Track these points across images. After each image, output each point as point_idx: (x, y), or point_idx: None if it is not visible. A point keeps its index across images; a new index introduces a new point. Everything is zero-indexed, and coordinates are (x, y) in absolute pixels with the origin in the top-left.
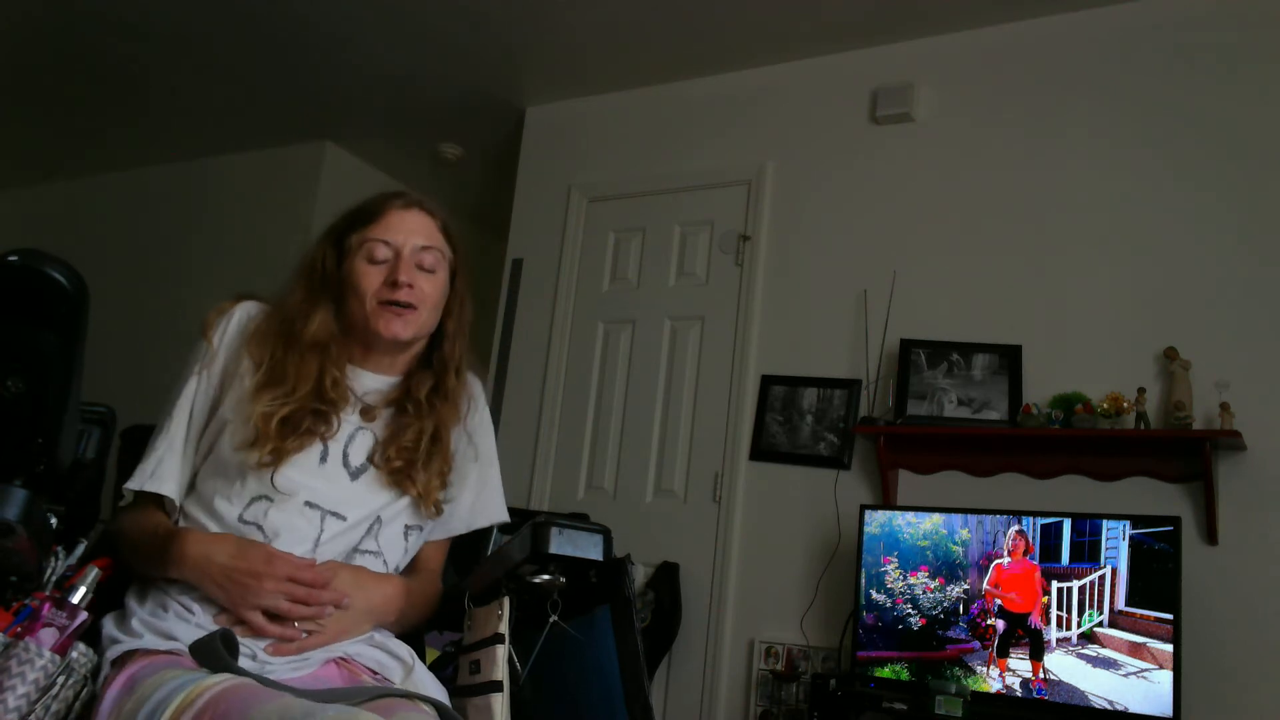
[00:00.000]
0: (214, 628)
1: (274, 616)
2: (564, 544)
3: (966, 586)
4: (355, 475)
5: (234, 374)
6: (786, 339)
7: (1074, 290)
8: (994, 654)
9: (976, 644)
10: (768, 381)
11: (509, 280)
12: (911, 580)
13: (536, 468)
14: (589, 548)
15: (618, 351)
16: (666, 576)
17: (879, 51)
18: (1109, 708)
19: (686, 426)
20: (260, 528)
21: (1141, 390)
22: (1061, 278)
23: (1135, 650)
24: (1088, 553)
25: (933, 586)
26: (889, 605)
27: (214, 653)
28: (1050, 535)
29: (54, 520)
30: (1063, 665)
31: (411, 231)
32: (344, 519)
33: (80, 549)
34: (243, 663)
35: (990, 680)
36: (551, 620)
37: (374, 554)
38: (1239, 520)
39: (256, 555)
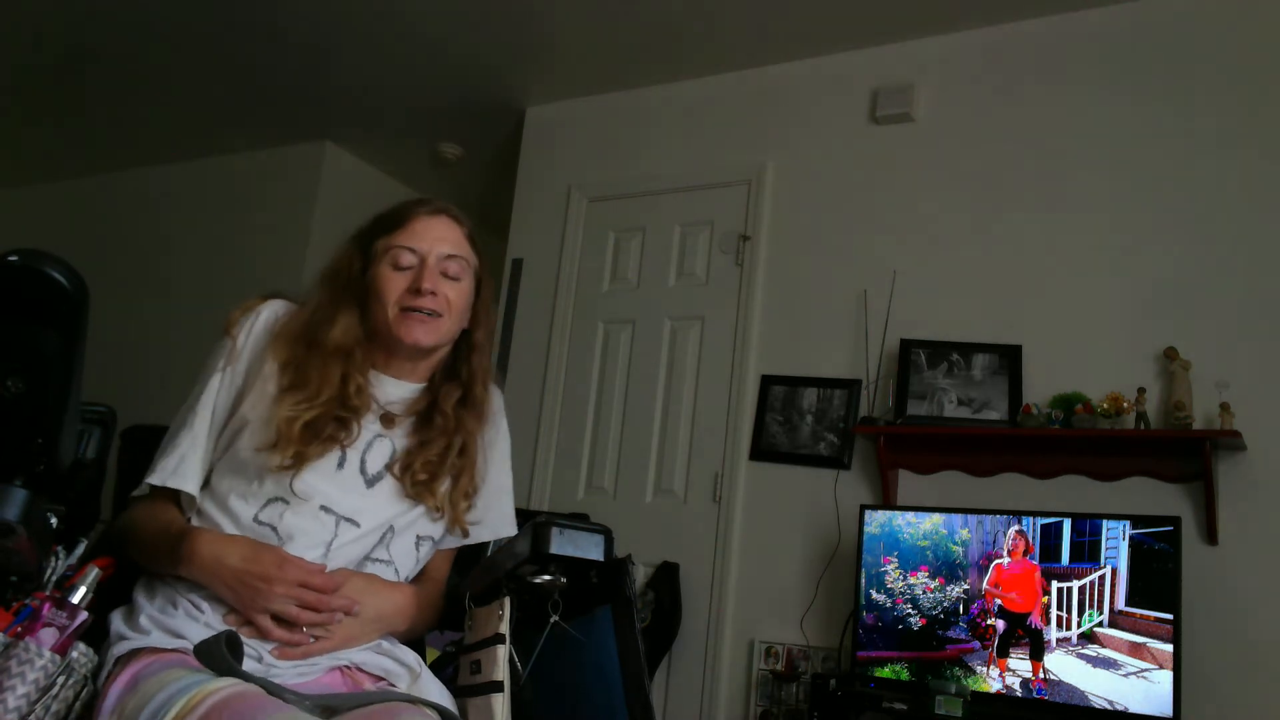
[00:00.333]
0: (222, 627)
1: (283, 620)
2: (565, 544)
3: (966, 586)
4: (371, 483)
5: (257, 373)
6: (786, 339)
7: (1074, 290)
8: (994, 654)
9: (976, 644)
10: (768, 381)
11: (509, 280)
12: (911, 580)
13: (536, 468)
14: (590, 548)
15: (618, 351)
16: (666, 576)
17: (879, 51)
18: (1109, 708)
19: (686, 426)
20: (275, 529)
21: (1141, 390)
22: (1061, 278)
23: (1135, 650)
24: (1088, 553)
25: (933, 586)
26: (889, 605)
27: (219, 655)
28: (1050, 535)
29: (54, 520)
30: (1063, 665)
31: (437, 239)
32: (358, 526)
33: (80, 549)
34: (247, 665)
35: (990, 680)
36: (552, 620)
37: (385, 562)
38: (1239, 520)
39: (269, 559)
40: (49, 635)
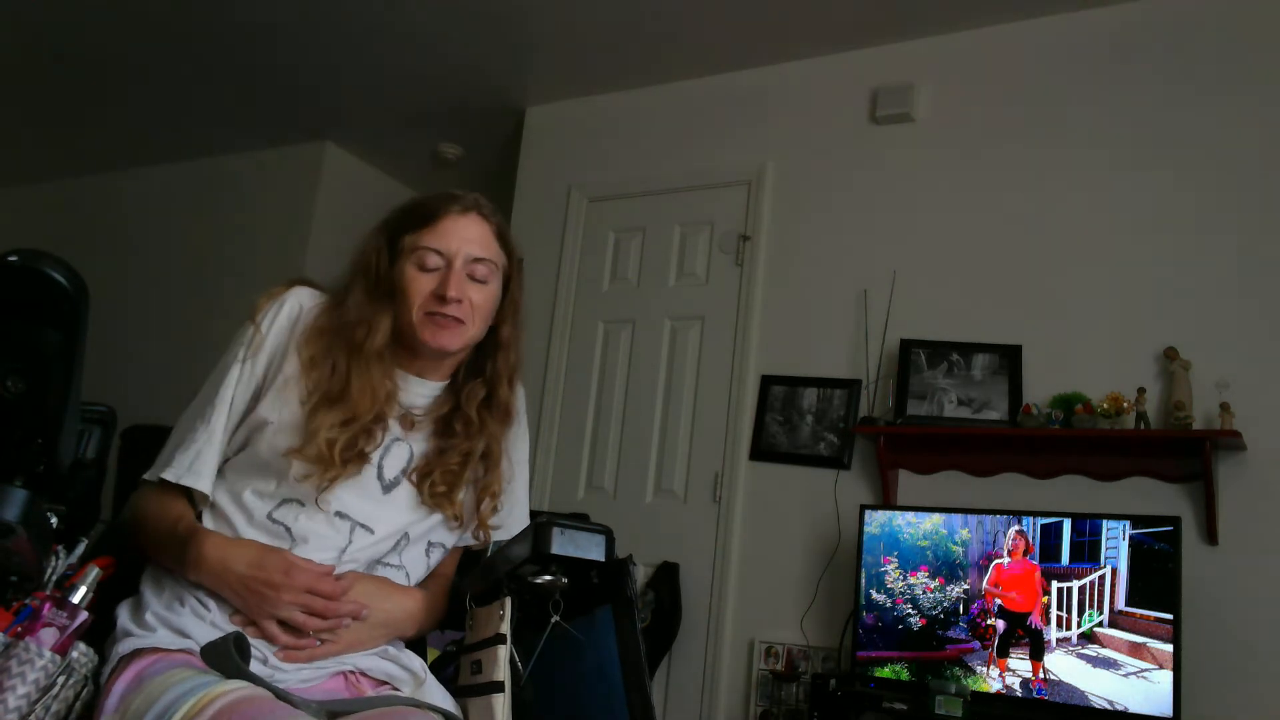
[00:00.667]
0: (228, 626)
1: (290, 626)
2: (566, 544)
3: (966, 586)
4: (388, 489)
5: (278, 367)
6: (786, 339)
7: (1074, 290)
8: (994, 654)
9: (976, 644)
10: (768, 381)
11: None
12: (911, 580)
13: (536, 468)
14: (591, 548)
15: (618, 351)
16: (667, 576)
17: (879, 51)
18: (1109, 708)
19: (686, 426)
20: (289, 530)
21: (1141, 390)
22: (1061, 278)
23: (1135, 650)
24: (1088, 553)
25: (933, 586)
26: (889, 605)
27: (226, 657)
28: (1050, 535)
29: (54, 520)
30: (1063, 665)
31: (466, 240)
32: (372, 532)
33: (80, 549)
34: (253, 667)
35: (990, 680)
36: (553, 621)
37: (396, 567)
38: (1239, 520)
39: (275, 565)
40: (49, 635)
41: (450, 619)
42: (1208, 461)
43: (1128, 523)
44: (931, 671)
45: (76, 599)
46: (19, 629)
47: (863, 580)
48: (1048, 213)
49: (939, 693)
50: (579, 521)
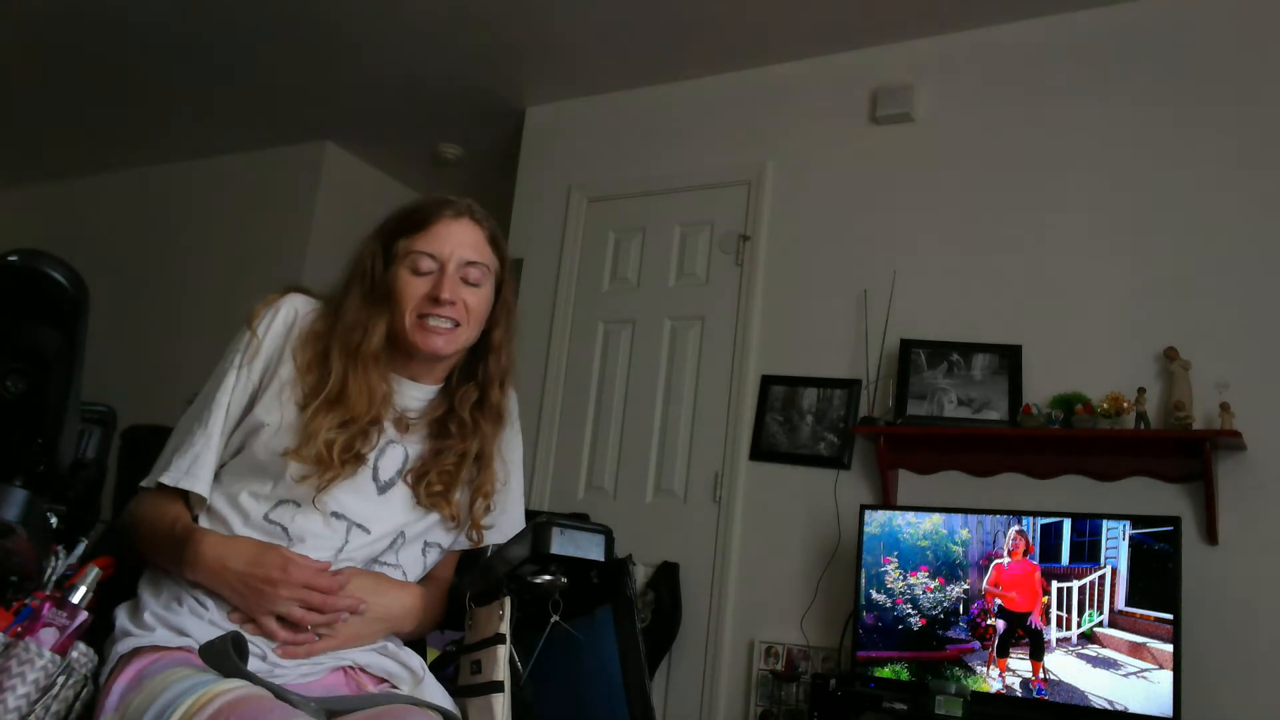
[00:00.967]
0: (227, 625)
1: (289, 621)
2: (566, 544)
3: (966, 586)
4: (383, 490)
5: (274, 372)
6: (786, 339)
7: (1074, 290)
8: (994, 654)
9: (976, 644)
10: (768, 381)
11: None
12: (911, 580)
13: (536, 468)
14: (590, 548)
15: (618, 351)
16: (667, 576)
17: (879, 51)
18: (1109, 708)
19: (686, 426)
20: (286, 530)
21: (1141, 390)
22: (1061, 278)
23: (1135, 650)
24: (1088, 553)
25: (933, 586)
26: (889, 605)
27: (224, 656)
28: (1050, 535)
29: (54, 520)
30: (1063, 665)
31: (459, 244)
32: (368, 532)
33: (80, 549)
34: (252, 663)
35: (990, 680)
36: (553, 620)
37: (393, 566)
38: (1239, 520)
39: (273, 561)
40: (49, 635)
41: (450, 619)
42: (1208, 461)
43: (1128, 523)
44: (931, 671)
45: (76, 599)
46: (19, 629)
47: (863, 580)
48: (1048, 213)
49: (939, 693)
50: (579, 521)
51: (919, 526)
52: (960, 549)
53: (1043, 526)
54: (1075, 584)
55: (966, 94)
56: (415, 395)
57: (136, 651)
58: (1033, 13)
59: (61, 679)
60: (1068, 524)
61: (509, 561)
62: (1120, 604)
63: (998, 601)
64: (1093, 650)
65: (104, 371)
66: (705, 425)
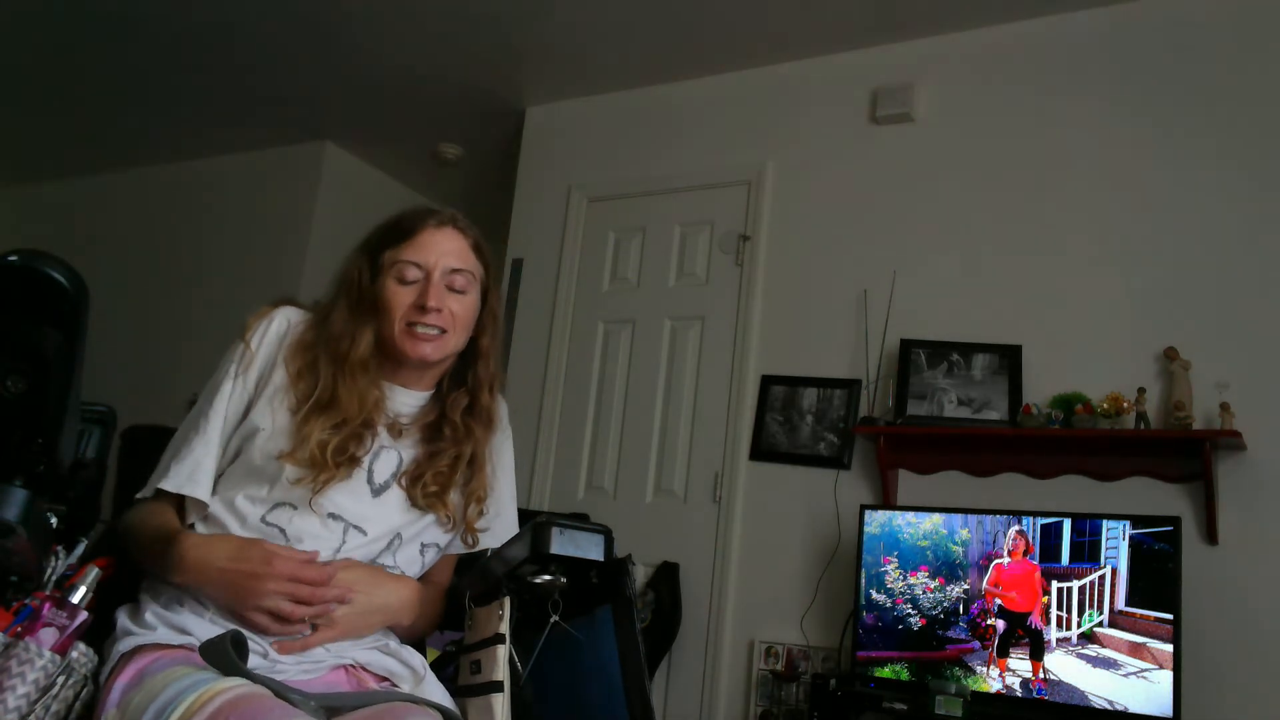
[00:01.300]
0: (228, 623)
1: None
2: (565, 544)
3: (966, 586)
4: (377, 493)
5: (268, 380)
6: (786, 339)
7: (1074, 290)
8: (994, 654)
9: (976, 644)
10: (768, 381)
11: (509, 280)
12: (911, 580)
13: (536, 468)
14: (590, 548)
15: (618, 351)
16: (666, 576)
17: (879, 51)
18: (1109, 708)
19: (686, 426)
20: (284, 531)
21: (1141, 390)
22: (1061, 278)
23: (1135, 650)
24: (1088, 553)
25: (933, 586)
26: (889, 605)
27: (225, 654)
28: (1050, 535)
29: (54, 520)
30: (1063, 665)
31: (443, 253)
32: (364, 534)
33: (80, 549)
34: (253, 661)
35: (990, 680)
36: (552, 620)
37: (390, 567)
38: (1239, 520)
39: (256, 556)
40: (49, 635)
41: (450, 619)
42: (1208, 461)
43: (1128, 523)
44: (931, 671)
45: (76, 599)
46: (19, 629)
47: (863, 580)
48: (1048, 212)
49: (939, 693)
50: (578, 521)
51: (919, 526)
52: (960, 549)
53: (1043, 526)
54: (1075, 584)
55: (966, 94)
56: (407, 401)
57: (137, 650)
58: (1033, 13)
59: (61, 679)
60: (1068, 524)
61: (508, 561)
62: (1120, 604)
63: (998, 601)
64: (1093, 650)
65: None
66: (705, 425)
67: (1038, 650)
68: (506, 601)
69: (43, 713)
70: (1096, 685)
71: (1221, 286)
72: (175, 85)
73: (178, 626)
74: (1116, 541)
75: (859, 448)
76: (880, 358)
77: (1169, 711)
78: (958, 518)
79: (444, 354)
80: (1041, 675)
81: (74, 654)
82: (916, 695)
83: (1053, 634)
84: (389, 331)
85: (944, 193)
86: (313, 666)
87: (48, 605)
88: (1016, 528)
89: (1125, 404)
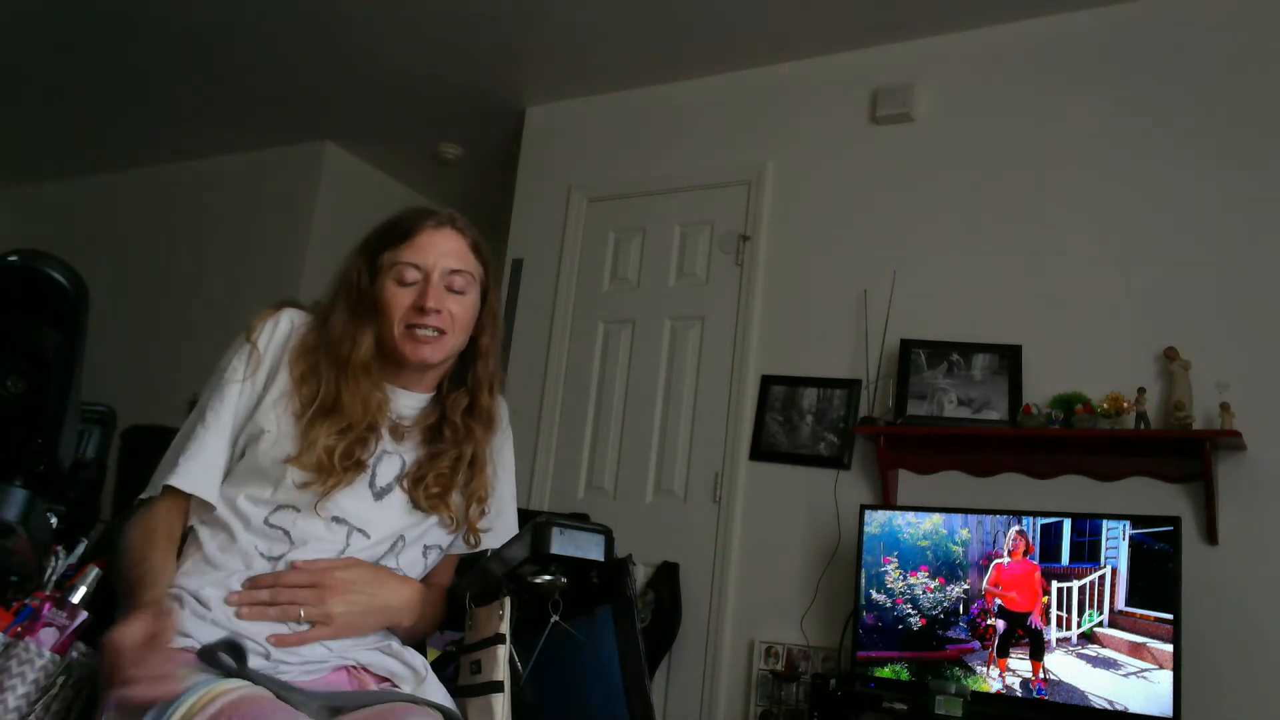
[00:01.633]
0: (229, 625)
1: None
2: (565, 544)
3: (966, 586)
4: (380, 496)
5: (272, 383)
6: (786, 339)
7: (1074, 290)
8: (994, 654)
9: (976, 644)
10: (768, 381)
11: (509, 280)
12: (911, 580)
13: (536, 468)
14: (590, 548)
15: (618, 351)
16: (667, 576)
17: (879, 51)
18: (1109, 708)
19: (686, 426)
20: (288, 534)
21: (1141, 390)
22: (1061, 278)
23: (1135, 650)
24: (1088, 553)
25: (933, 586)
26: (889, 605)
27: (223, 661)
28: (1050, 535)
29: (54, 520)
30: (1063, 665)
31: (442, 254)
32: (368, 536)
33: (80, 549)
34: (255, 662)
35: (990, 680)
36: (553, 620)
37: (393, 569)
38: (1239, 520)
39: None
40: (49, 635)
41: (450, 619)
42: (1208, 461)
43: (1128, 523)
44: (931, 671)
45: (76, 599)
46: (19, 629)
47: (863, 580)
48: (1048, 212)
49: (939, 693)
50: (579, 521)
51: (919, 526)
52: (960, 549)
53: (1043, 526)
54: (1075, 584)
55: (966, 94)
56: (408, 403)
57: None
58: (1033, 13)
59: (61, 679)
60: (1068, 524)
61: (508, 561)
62: (1120, 604)
63: (998, 601)
64: (1093, 650)
65: (104, 371)
66: (705, 425)
67: (1038, 650)
68: (507, 602)
69: (43, 713)
70: (1096, 685)
71: (1221, 286)
72: (175, 85)
73: (178, 628)
74: (1116, 541)
75: (859, 448)
76: (880, 358)
77: (1169, 711)
78: (958, 518)
79: (443, 355)
80: (1041, 675)
81: (74, 654)
82: (916, 695)
83: (1053, 634)
84: (389, 333)
85: (944, 193)
86: (314, 667)
87: (48, 605)
88: (1016, 528)
89: (1125, 404)
